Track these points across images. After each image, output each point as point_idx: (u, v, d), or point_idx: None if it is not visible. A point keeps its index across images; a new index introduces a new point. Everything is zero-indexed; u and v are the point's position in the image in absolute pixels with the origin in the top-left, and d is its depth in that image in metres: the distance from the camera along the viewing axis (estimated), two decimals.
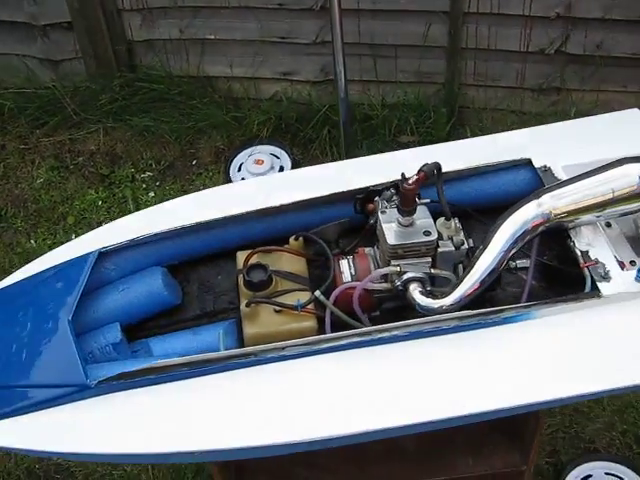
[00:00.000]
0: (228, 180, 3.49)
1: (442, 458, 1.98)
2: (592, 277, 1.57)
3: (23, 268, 1.86)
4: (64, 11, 3.57)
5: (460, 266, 1.63)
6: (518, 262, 1.71)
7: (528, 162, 1.84)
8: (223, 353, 1.53)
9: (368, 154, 2.12)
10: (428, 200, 1.67)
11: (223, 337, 1.61)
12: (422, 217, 1.61)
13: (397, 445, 2.01)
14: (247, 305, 1.61)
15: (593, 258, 1.60)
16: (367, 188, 1.74)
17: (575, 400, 1.59)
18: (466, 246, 1.61)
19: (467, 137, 2.99)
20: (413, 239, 1.57)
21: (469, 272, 1.55)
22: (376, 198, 1.72)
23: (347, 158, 3.15)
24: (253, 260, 1.70)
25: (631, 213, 1.65)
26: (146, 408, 1.51)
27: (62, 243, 2.11)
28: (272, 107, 3.65)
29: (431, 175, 1.59)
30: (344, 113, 3.00)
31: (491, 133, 2.12)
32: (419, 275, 1.57)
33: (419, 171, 1.57)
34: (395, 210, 1.60)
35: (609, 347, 1.51)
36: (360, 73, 3.54)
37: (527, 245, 1.64)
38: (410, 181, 1.55)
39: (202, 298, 1.85)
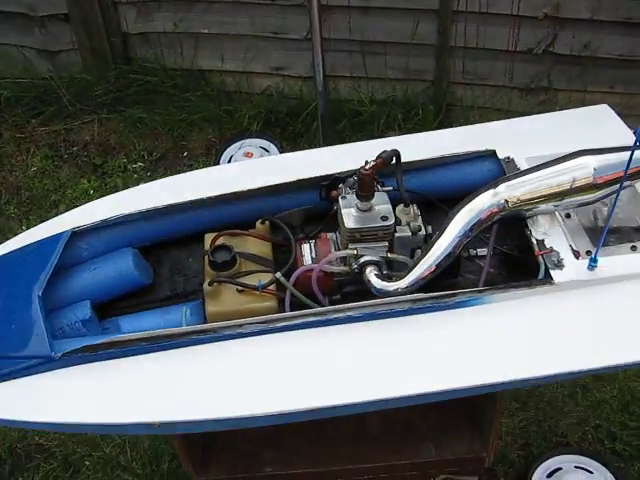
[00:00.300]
0: None
1: (406, 443, 2.02)
2: (546, 265, 1.61)
3: None
4: (61, 3, 3.64)
5: (418, 251, 1.67)
6: (479, 250, 1.76)
7: (493, 153, 1.88)
8: (183, 329, 1.58)
9: None
10: (390, 188, 1.72)
11: (186, 314, 1.66)
12: (381, 203, 1.65)
13: (363, 429, 2.06)
14: (210, 284, 1.66)
15: (548, 246, 1.64)
16: (331, 175, 1.78)
17: (523, 385, 1.62)
18: (423, 232, 1.65)
19: None
20: (370, 224, 1.62)
21: (425, 256, 1.59)
22: (340, 185, 1.76)
23: None
24: (219, 242, 1.75)
25: (588, 204, 1.68)
26: (107, 380, 1.56)
27: None
28: (263, 101, 3.71)
29: (389, 161, 1.63)
30: (323, 106, 3.05)
31: None
32: (375, 258, 1.61)
33: (377, 157, 1.62)
34: (354, 196, 1.65)
35: (558, 332, 1.54)
36: (350, 69, 3.59)
37: (488, 233, 1.68)
38: (367, 167, 1.59)
39: (173, 279, 1.89)
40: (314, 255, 1.68)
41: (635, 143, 1.38)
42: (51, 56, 3.87)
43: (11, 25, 3.80)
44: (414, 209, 1.69)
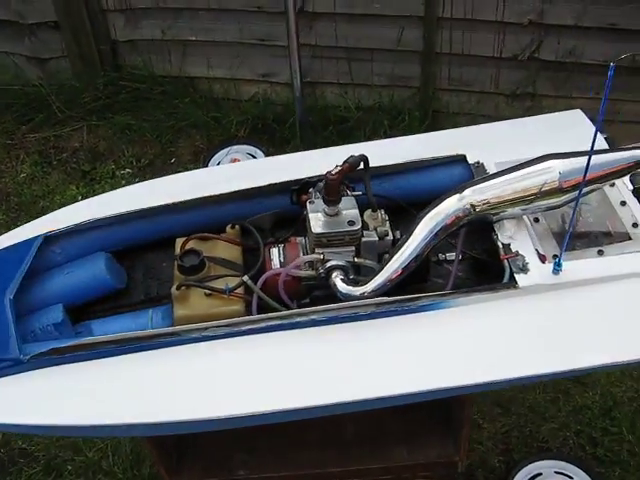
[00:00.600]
0: None
1: (378, 447, 2.03)
2: (511, 269, 1.62)
3: None
4: (50, 10, 3.68)
5: (386, 256, 1.68)
6: (448, 255, 1.77)
7: (463, 158, 1.89)
8: (149, 332, 1.60)
9: None
10: (360, 193, 1.73)
11: (152, 318, 1.67)
12: (349, 207, 1.67)
13: (336, 433, 2.06)
14: (177, 288, 1.67)
15: (514, 250, 1.64)
16: (302, 180, 1.80)
17: (485, 388, 1.62)
18: (391, 237, 1.66)
19: None
20: (337, 228, 1.63)
21: (391, 259, 1.60)
22: (310, 189, 1.78)
23: None
24: (189, 246, 1.76)
25: (555, 208, 1.69)
26: (75, 382, 1.57)
27: None
28: (250, 108, 3.73)
29: (356, 166, 1.64)
30: (299, 111, 3.08)
31: None
32: (341, 263, 1.62)
33: (344, 162, 1.63)
34: (322, 200, 1.66)
35: (520, 336, 1.55)
36: (336, 76, 3.61)
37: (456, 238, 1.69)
38: (334, 172, 1.60)
39: (147, 284, 1.91)
40: (282, 259, 1.70)
41: (592, 148, 1.39)
42: (41, 63, 3.90)
43: (1, 32, 3.84)
44: (382, 214, 1.70)
